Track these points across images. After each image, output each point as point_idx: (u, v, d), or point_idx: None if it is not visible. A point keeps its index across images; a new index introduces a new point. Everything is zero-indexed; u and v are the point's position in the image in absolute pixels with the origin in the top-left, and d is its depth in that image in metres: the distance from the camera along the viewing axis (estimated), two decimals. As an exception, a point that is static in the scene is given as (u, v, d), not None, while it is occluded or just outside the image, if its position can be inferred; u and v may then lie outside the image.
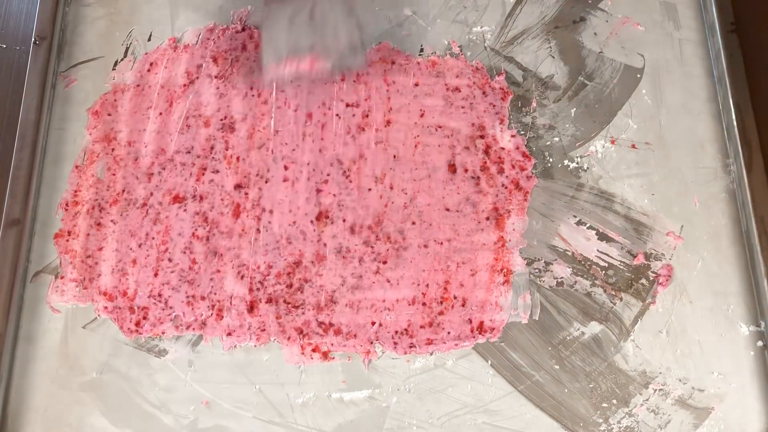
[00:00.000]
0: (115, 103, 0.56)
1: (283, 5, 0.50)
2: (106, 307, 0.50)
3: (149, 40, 0.58)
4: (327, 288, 0.50)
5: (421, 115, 0.54)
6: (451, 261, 0.51)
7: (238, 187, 0.53)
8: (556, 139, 0.54)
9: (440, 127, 0.54)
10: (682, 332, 0.49)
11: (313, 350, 0.49)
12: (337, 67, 0.52)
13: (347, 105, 0.55)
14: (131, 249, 0.52)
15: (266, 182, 0.53)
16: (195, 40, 0.57)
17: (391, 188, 0.52)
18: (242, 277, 0.51)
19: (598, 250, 0.51)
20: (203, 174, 0.53)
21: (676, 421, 0.47)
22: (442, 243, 0.51)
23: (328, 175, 0.53)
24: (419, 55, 0.56)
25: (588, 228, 0.52)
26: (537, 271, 0.51)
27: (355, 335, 0.49)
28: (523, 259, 0.51)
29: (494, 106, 0.55)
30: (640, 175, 0.53)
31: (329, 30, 0.50)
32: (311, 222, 0.52)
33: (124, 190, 0.53)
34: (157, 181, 0.53)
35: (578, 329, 0.49)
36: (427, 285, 0.50)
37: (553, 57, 0.56)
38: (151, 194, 0.53)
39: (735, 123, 0.53)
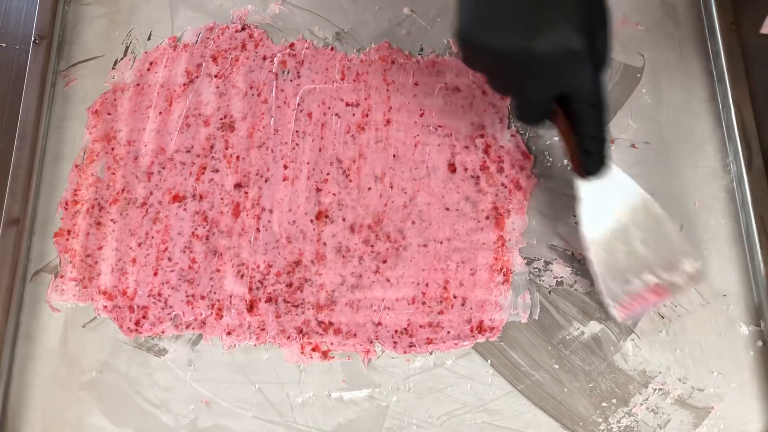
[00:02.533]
0: (114, 102, 0.56)
1: (607, 237, 0.46)
2: (105, 306, 0.50)
3: (149, 39, 0.58)
4: (327, 287, 0.50)
5: (421, 115, 0.54)
6: (450, 260, 0.51)
7: (237, 186, 0.53)
8: (556, 138, 0.54)
9: (440, 126, 0.54)
10: (681, 332, 0.49)
11: (313, 349, 0.49)
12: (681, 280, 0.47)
13: (347, 104, 0.55)
14: (131, 248, 0.52)
15: (266, 181, 0.53)
16: (195, 39, 0.57)
17: (391, 187, 0.52)
18: (242, 276, 0.51)
19: (597, 250, 0.51)
20: (203, 173, 0.53)
21: (675, 420, 0.47)
22: (441, 242, 0.51)
23: (328, 174, 0.53)
24: (419, 54, 0.56)
25: (588, 227, 0.52)
26: (537, 270, 0.51)
27: (354, 334, 0.49)
28: (522, 259, 0.51)
29: (494, 105, 0.55)
30: (639, 175, 0.53)
31: (664, 250, 0.46)
32: (311, 221, 0.52)
33: (123, 189, 0.53)
34: (157, 180, 0.53)
35: (578, 329, 0.49)
36: (427, 284, 0.50)
37: (553, 56, 0.56)
38: (151, 193, 0.53)
39: (735, 123, 0.53)
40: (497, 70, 0.42)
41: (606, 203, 0.47)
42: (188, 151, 0.54)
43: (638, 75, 0.56)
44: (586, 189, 0.46)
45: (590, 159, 0.45)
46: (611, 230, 0.47)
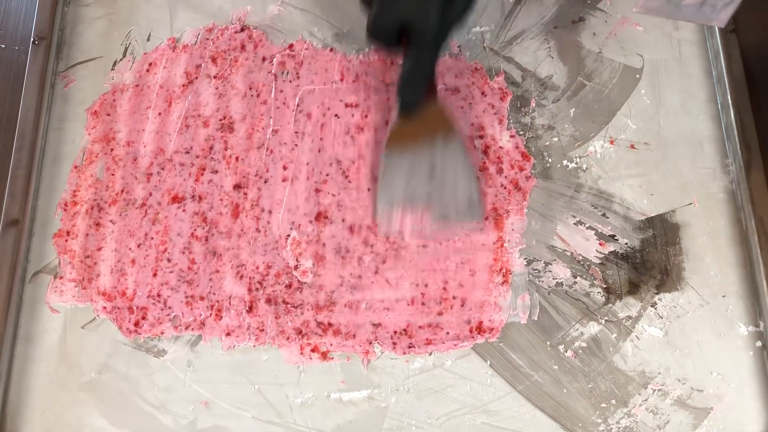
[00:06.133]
0: (114, 103, 0.56)
1: (402, 157, 0.49)
2: (104, 308, 0.50)
3: (148, 40, 0.58)
4: (326, 288, 0.50)
5: (421, 116, 0.54)
6: (450, 261, 0.51)
7: (237, 187, 0.53)
8: (555, 139, 0.54)
9: (439, 127, 0.54)
10: (681, 332, 0.49)
11: (312, 350, 0.49)
12: (453, 221, 0.50)
13: (346, 105, 0.55)
14: (130, 249, 0.52)
15: (265, 182, 0.53)
16: (194, 40, 0.57)
17: (390, 188, 0.52)
18: (241, 277, 0.51)
19: (597, 251, 0.51)
20: (202, 174, 0.53)
21: (675, 421, 0.47)
22: (441, 243, 0.51)
23: (327, 175, 0.53)
24: (418, 55, 0.56)
25: (587, 228, 0.52)
26: (536, 271, 0.51)
27: (354, 335, 0.49)
28: (522, 260, 0.51)
29: (493, 106, 0.55)
30: (639, 176, 0.53)
31: (448, 185, 0.49)
32: (310, 222, 0.52)
33: (123, 190, 0.53)
34: (156, 181, 0.53)
35: (577, 329, 0.49)
36: (426, 285, 0.50)
37: (552, 57, 0.56)
38: (150, 194, 0.53)
39: (734, 123, 0.53)
40: None
41: (414, 133, 0.49)
42: (187, 152, 0.54)
43: (637, 76, 0.56)
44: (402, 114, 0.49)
45: (406, 86, 0.48)
46: (409, 155, 0.49)
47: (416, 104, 0.49)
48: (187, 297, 0.50)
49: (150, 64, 0.57)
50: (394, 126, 0.50)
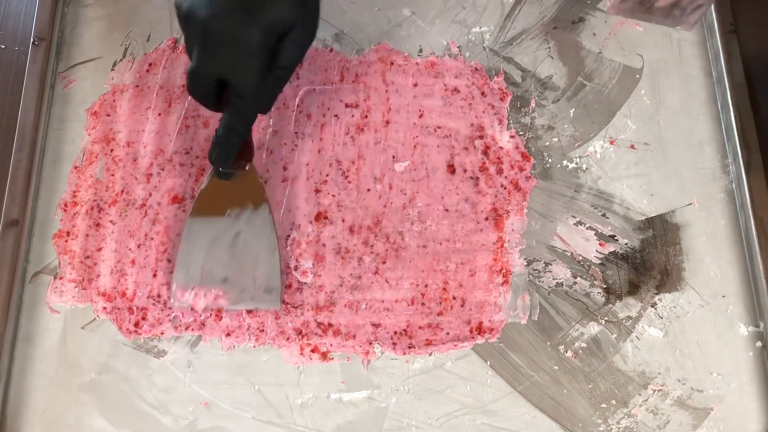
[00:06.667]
0: (114, 103, 0.56)
1: (206, 225, 0.48)
2: (104, 308, 0.50)
3: (148, 40, 0.58)
4: (326, 288, 0.50)
5: (420, 116, 0.54)
6: (450, 261, 0.51)
7: (237, 187, 0.53)
8: (555, 139, 0.54)
9: (439, 127, 0.54)
10: (681, 333, 0.49)
11: (312, 351, 0.49)
12: (247, 304, 0.48)
13: (346, 105, 0.55)
14: (130, 250, 0.52)
15: (265, 183, 0.53)
16: (194, 40, 0.57)
17: (390, 188, 0.52)
18: (241, 277, 0.51)
19: (597, 251, 0.51)
20: (202, 175, 0.53)
21: (675, 421, 0.47)
22: (441, 243, 0.51)
23: (327, 175, 0.53)
24: (418, 55, 0.56)
25: (587, 228, 0.52)
26: (536, 271, 0.51)
27: (354, 336, 0.49)
28: (522, 260, 0.51)
29: (493, 106, 0.55)
30: (639, 176, 0.53)
31: (248, 263, 0.48)
32: (310, 222, 0.52)
33: (123, 191, 0.53)
34: (156, 181, 0.53)
35: (577, 330, 0.49)
36: (426, 285, 0.50)
37: (552, 57, 0.56)
38: (150, 195, 0.53)
39: (734, 124, 0.53)
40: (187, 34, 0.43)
41: (222, 199, 0.48)
42: (187, 153, 0.54)
43: (637, 76, 0.56)
44: (214, 178, 0.49)
45: (217, 148, 0.46)
46: (214, 223, 0.48)
47: (226, 169, 0.48)
48: (187, 297, 0.50)
49: (150, 65, 0.57)
50: (203, 189, 0.49)
